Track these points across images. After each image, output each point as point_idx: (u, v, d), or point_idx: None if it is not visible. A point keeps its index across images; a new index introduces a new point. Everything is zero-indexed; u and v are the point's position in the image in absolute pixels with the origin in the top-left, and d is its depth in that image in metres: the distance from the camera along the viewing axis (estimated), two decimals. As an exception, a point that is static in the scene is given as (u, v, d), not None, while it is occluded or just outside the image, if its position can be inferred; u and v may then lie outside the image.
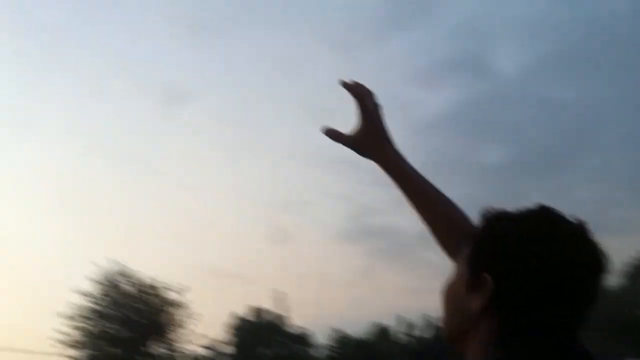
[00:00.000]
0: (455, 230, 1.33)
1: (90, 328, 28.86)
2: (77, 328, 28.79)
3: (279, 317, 37.88)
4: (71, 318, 28.80)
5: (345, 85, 1.40)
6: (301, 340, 38.85)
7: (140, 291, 29.81)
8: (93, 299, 29.10)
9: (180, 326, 30.19)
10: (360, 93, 1.41)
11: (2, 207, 44.60)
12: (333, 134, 1.45)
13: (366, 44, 52.06)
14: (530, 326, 1.01)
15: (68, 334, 28.60)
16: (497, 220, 1.08)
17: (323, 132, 1.42)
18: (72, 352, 28.62)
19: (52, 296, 39.94)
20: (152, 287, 30.05)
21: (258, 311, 38.12)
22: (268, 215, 49.65)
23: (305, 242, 51.40)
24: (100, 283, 29.35)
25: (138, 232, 47.23)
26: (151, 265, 47.11)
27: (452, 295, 1.12)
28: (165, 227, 48.62)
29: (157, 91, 51.96)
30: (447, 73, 55.37)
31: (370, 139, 1.42)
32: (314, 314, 53.16)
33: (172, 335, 30.11)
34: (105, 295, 29.23)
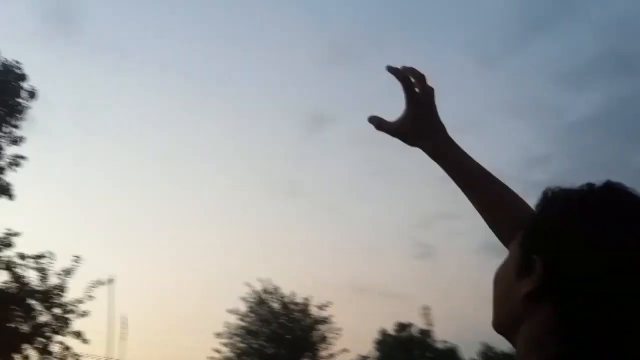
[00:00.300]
0: (515, 219, 1.19)
1: (240, 345, 29.85)
2: (227, 345, 29.96)
3: (425, 332, 37.64)
4: (223, 336, 30.37)
5: (391, 69, 1.33)
6: (449, 355, 38.37)
7: (286, 308, 30.51)
8: (243, 317, 30.39)
9: (327, 342, 30.51)
10: (406, 77, 1.33)
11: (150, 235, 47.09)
12: (378, 123, 1.37)
13: (508, 50, 50.54)
14: (588, 317, 0.90)
15: (220, 352, 29.84)
16: (553, 199, 1.00)
17: (368, 121, 1.36)
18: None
19: (210, 316, 41.90)
20: (298, 303, 30.68)
21: (404, 326, 38.12)
22: (411, 231, 49.37)
23: (448, 255, 50.77)
24: (249, 301, 30.50)
25: (284, 250, 48.48)
26: (297, 282, 48.14)
27: (502, 281, 1.04)
28: (310, 246, 49.54)
29: (301, 115, 53.42)
30: (595, 73, 52.46)
31: (419, 127, 1.35)
32: (461, 328, 52.19)
33: (319, 352, 30.48)
34: (254, 312, 30.11)
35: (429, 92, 1.34)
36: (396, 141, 1.39)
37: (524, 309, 0.97)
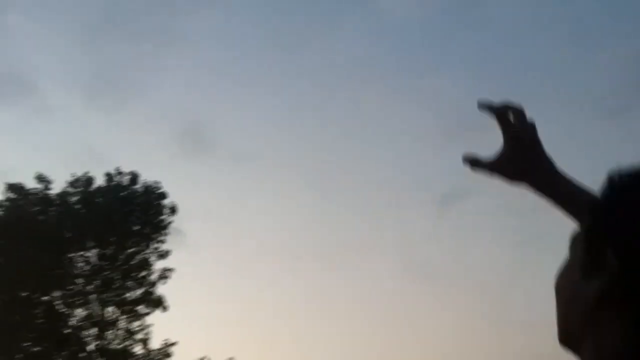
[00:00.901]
0: None
1: None
2: None
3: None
4: None
5: (484, 105, 1.27)
6: None
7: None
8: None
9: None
10: (501, 112, 1.26)
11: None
12: (474, 162, 1.30)
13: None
14: None
15: None
16: (620, 182, 0.83)
17: (463, 160, 1.29)
18: None
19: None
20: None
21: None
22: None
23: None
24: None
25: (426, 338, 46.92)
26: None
27: (565, 287, 0.87)
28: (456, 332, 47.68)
29: (429, 194, 53.03)
30: None
31: (518, 163, 1.26)
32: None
33: None
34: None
35: (529, 127, 1.27)
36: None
37: (593, 315, 0.80)
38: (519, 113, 1.27)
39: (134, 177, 22.92)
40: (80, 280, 21.77)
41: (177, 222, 23.19)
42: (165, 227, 22.80)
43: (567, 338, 0.87)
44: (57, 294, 21.41)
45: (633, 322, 0.77)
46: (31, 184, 22.21)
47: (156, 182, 23.10)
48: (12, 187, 22.03)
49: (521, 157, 1.26)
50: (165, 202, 23.07)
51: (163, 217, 22.88)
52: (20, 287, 20.80)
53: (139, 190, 22.84)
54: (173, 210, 23.04)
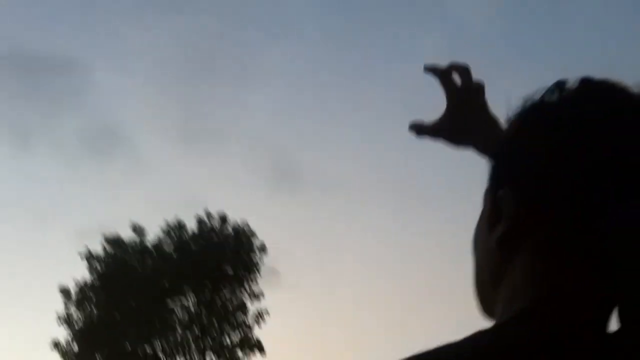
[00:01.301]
0: None
1: None
2: None
3: None
4: None
5: (428, 68, 1.23)
6: None
7: None
8: None
9: None
10: (444, 72, 1.21)
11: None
12: (419, 129, 1.24)
13: None
14: (572, 258, 0.70)
15: None
16: (519, 118, 0.78)
17: (409, 130, 1.25)
18: None
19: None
20: None
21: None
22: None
23: None
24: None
25: None
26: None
27: (477, 242, 0.81)
28: None
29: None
30: None
31: (462, 125, 1.21)
32: None
33: None
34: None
35: (475, 86, 1.21)
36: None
37: (499, 267, 0.75)
38: (465, 73, 1.21)
39: (224, 219, 23.38)
40: (179, 328, 22.37)
41: (270, 261, 23.48)
42: (257, 267, 23.10)
43: (484, 303, 0.80)
44: (159, 344, 22.09)
45: (531, 259, 0.73)
46: (127, 233, 23.10)
47: (246, 222, 23.46)
48: (111, 241, 22.95)
49: (465, 119, 1.21)
50: (256, 241, 23.39)
51: (254, 257, 23.20)
52: (124, 338, 21.60)
53: (230, 232, 23.27)
54: (263, 249, 23.33)
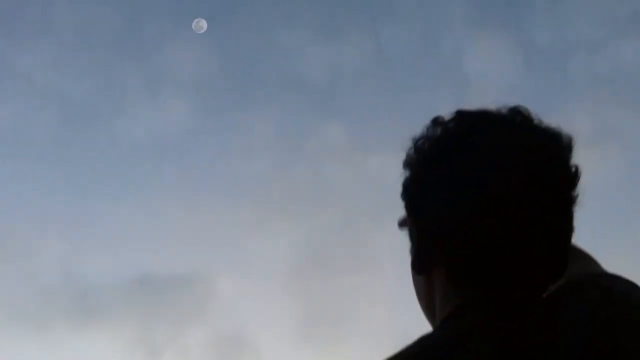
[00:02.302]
0: None
1: None
2: None
3: None
4: None
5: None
6: None
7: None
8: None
9: None
10: None
11: None
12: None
13: None
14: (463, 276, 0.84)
15: None
16: (407, 153, 0.91)
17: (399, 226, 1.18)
18: None
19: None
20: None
21: None
22: None
23: None
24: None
25: None
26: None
27: (412, 275, 0.95)
28: None
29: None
30: None
31: None
32: None
33: None
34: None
35: None
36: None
37: (426, 289, 0.91)
38: None
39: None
40: None
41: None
42: None
43: (431, 324, 0.94)
44: None
45: (444, 288, 0.88)
46: None
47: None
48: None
49: None
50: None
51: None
52: None
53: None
54: None
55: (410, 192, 0.90)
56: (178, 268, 9.00)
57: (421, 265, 0.90)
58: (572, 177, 0.86)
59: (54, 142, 8.95)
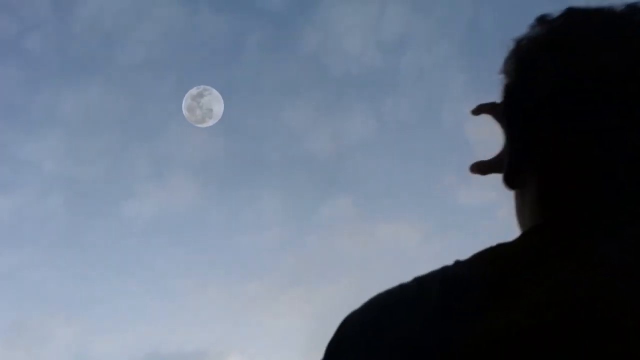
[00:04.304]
0: None
1: None
2: None
3: None
4: None
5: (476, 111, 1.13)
6: None
7: None
8: None
9: None
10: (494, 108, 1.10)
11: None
12: (480, 168, 1.10)
13: None
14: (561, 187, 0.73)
15: None
16: (509, 55, 0.81)
17: (470, 171, 1.10)
18: None
19: None
20: None
21: None
22: None
23: None
24: None
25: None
26: None
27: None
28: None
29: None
30: None
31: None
32: None
33: None
34: None
35: None
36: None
37: (518, 214, 0.81)
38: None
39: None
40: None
41: None
42: None
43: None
44: None
45: (534, 197, 0.77)
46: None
47: None
48: None
49: None
50: None
51: None
52: None
53: None
54: None
55: (505, 99, 0.81)
56: (188, 346, 8.90)
57: (511, 178, 0.80)
58: None
59: (62, 228, 9.03)
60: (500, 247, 0.69)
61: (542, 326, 0.59)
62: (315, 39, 8.70)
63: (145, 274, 8.99)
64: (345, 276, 8.75)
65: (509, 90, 0.81)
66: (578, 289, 0.61)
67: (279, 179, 8.98)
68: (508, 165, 0.80)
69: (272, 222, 8.94)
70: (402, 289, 0.67)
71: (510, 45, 0.81)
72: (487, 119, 1.19)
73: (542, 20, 0.80)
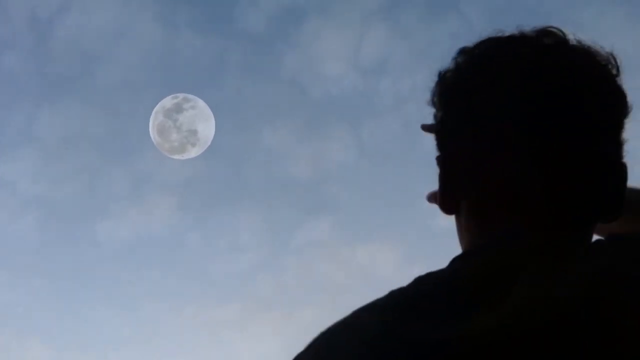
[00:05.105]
0: None
1: None
2: None
3: None
4: None
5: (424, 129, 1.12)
6: None
7: None
8: None
9: None
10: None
11: None
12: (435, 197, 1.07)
13: None
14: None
15: None
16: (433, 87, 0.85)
17: (428, 201, 1.08)
18: None
19: None
20: None
21: None
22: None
23: None
24: None
25: None
26: None
27: None
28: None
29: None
30: None
31: None
32: None
33: None
34: None
35: None
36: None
37: (459, 238, 0.83)
38: None
39: None
40: None
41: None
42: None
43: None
44: None
45: (464, 224, 0.81)
46: None
47: None
48: None
49: None
50: None
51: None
52: None
53: None
54: None
55: (436, 129, 0.84)
56: (163, 370, 8.78)
57: (446, 203, 0.82)
58: (614, 100, 0.77)
59: (35, 249, 8.91)
60: (411, 285, 0.71)
61: (537, 326, 0.59)
62: (295, 62, 8.73)
63: (120, 296, 8.86)
64: (323, 300, 8.71)
65: (437, 121, 0.84)
66: (573, 289, 0.62)
67: (257, 202, 8.95)
68: (441, 192, 0.83)
69: (250, 245, 8.89)
70: (342, 324, 0.68)
71: (435, 77, 0.84)
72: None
73: (462, 51, 0.83)
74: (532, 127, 0.75)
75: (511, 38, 0.81)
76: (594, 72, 0.77)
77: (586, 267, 0.67)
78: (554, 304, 0.61)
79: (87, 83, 8.86)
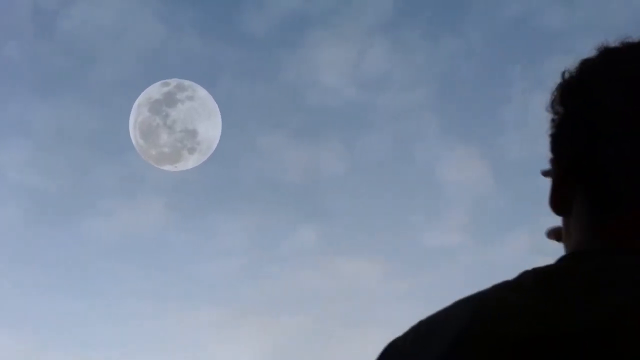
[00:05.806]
0: None
1: None
2: None
3: None
4: None
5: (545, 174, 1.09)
6: None
7: None
8: None
9: None
10: None
11: None
12: (556, 234, 1.06)
13: None
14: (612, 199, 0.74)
15: None
16: (587, 63, 0.81)
17: (547, 237, 1.07)
18: None
19: None
20: None
21: None
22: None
23: None
24: None
25: None
26: None
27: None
28: None
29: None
30: None
31: None
32: None
33: None
34: None
35: None
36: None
37: (565, 240, 0.82)
38: None
39: None
40: None
41: None
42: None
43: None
44: None
45: (572, 225, 0.79)
46: None
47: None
48: None
49: None
50: None
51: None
52: None
53: None
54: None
55: (550, 132, 0.83)
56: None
57: (556, 202, 0.82)
58: None
59: (19, 239, 8.84)
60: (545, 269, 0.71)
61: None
62: (295, 69, 8.73)
63: (102, 294, 8.80)
64: (306, 309, 8.65)
65: (552, 122, 0.83)
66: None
67: (247, 206, 8.91)
68: (552, 189, 0.82)
69: (236, 249, 8.85)
70: (443, 312, 0.69)
71: (559, 79, 0.84)
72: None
73: (583, 60, 0.83)
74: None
75: (633, 46, 0.80)
76: None
77: None
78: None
79: (85, 78, 8.85)
